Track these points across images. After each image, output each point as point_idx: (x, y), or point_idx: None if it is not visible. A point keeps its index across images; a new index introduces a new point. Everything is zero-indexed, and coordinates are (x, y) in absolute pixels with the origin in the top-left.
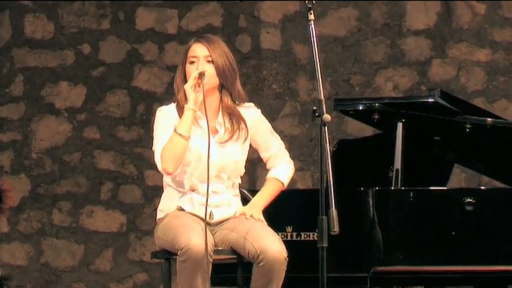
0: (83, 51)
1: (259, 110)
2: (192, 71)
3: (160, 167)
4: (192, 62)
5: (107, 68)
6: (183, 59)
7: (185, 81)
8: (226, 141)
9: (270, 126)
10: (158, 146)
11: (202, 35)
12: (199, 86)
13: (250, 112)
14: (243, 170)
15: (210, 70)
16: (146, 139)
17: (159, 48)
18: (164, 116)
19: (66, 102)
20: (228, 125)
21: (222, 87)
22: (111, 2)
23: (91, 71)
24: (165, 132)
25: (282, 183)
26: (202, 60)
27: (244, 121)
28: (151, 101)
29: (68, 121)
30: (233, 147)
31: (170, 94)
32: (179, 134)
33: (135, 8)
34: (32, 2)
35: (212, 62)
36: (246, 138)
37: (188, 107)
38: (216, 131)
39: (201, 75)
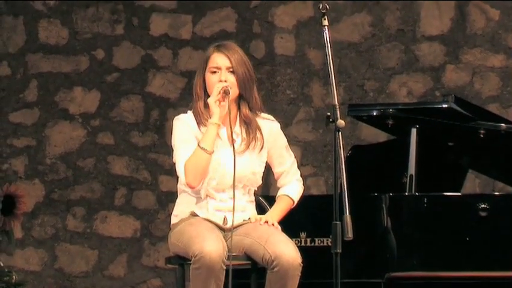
0: (97, 56)
1: (278, 124)
2: (214, 82)
3: (183, 181)
4: (214, 72)
5: (121, 74)
6: (203, 67)
7: (205, 89)
8: (243, 151)
9: (287, 142)
10: (181, 159)
11: (220, 42)
12: (223, 100)
13: (270, 125)
14: (260, 182)
15: (231, 80)
16: (160, 144)
17: (173, 53)
18: (183, 125)
19: (80, 107)
20: (244, 134)
21: (240, 96)
22: (125, 8)
23: (105, 77)
24: (186, 142)
25: (293, 201)
26: (225, 71)
27: (260, 131)
28: (165, 106)
29: (82, 126)
30: (250, 158)
31: (184, 100)
32: (203, 149)
33: (149, 13)
34: (46, 7)
35: (233, 72)
36: (261, 148)
37: (212, 121)
38: (233, 141)
39: (226, 92)
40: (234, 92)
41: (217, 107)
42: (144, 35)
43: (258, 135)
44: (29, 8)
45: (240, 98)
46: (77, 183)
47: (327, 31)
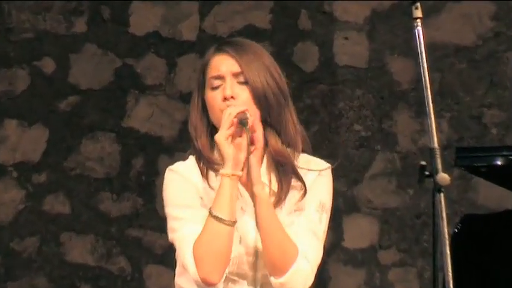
0: (43, 69)
1: (329, 170)
2: (216, 104)
3: (195, 276)
4: (215, 87)
5: (84, 98)
6: (199, 80)
7: (207, 117)
8: None
9: (328, 201)
10: (184, 241)
11: (229, 39)
12: (240, 136)
13: (316, 174)
14: None
15: (242, 97)
16: (147, 214)
17: (168, 64)
18: (181, 182)
19: (15, 153)
20: (274, 184)
21: (264, 122)
22: None
23: (56, 103)
24: (188, 210)
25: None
26: (230, 81)
27: (299, 176)
28: (155, 150)
29: (18, 185)
30: (281, 221)
31: (185, 140)
32: (218, 218)
33: (128, 0)
34: None
35: (246, 82)
36: (299, 200)
37: (226, 172)
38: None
39: (243, 121)
40: (254, 115)
41: (231, 148)
42: (120, 35)
43: (296, 182)
44: None
45: (265, 125)
46: (11, 277)
47: (420, 28)
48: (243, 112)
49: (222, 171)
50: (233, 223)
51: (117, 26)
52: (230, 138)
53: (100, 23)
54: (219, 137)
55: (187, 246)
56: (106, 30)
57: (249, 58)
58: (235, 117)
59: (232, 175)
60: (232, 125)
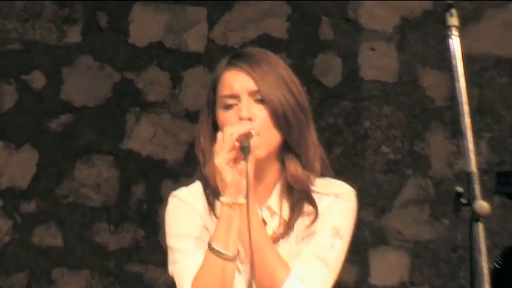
0: (32, 85)
1: (351, 193)
2: (229, 123)
3: None
4: (228, 106)
5: (77, 116)
6: (209, 99)
7: (216, 140)
8: (278, 238)
9: (345, 226)
10: (184, 274)
11: (240, 51)
12: (243, 159)
13: (332, 199)
14: None
15: (260, 116)
16: (149, 247)
17: (172, 78)
18: (184, 210)
19: (1, 179)
20: (285, 211)
21: (284, 144)
22: None
23: (46, 122)
24: (189, 242)
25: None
26: (247, 100)
27: (313, 203)
28: (158, 175)
29: (4, 214)
30: (289, 249)
31: (191, 163)
32: (217, 253)
33: (128, 6)
34: None
35: (263, 100)
36: (310, 225)
37: (226, 200)
38: (264, 223)
39: (244, 149)
40: (266, 139)
41: (229, 172)
42: (119, 45)
43: (307, 208)
44: None
45: (281, 148)
46: None
47: (456, 37)
48: (246, 134)
49: (221, 198)
50: (234, 257)
51: (115, 36)
52: (230, 162)
53: (96, 32)
54: (218, 160)
55: (186, 281)
56: (102, 40)
57: (263, 70)
58: (236, 140)
59: (234, 203)
60: (233, 148)
